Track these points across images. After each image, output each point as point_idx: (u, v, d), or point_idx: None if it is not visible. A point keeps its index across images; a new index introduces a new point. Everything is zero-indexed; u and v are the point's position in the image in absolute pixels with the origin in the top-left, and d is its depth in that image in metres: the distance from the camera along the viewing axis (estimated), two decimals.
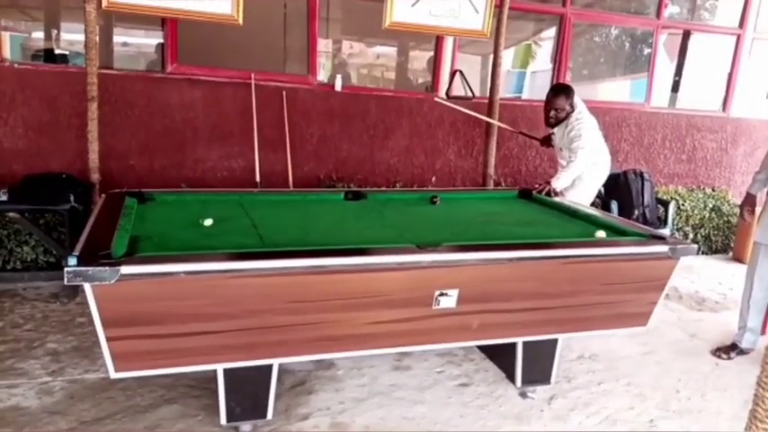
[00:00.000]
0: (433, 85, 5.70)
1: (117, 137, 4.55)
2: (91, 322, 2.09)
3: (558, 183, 3.98)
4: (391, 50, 8.33)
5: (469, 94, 5.58)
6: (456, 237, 2.70)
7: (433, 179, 5.57)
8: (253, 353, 2.34)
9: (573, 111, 4.13)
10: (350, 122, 5.24)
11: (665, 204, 5.29)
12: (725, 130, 6.59)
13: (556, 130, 4.26)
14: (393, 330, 2.49)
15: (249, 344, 2.30)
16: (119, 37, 6.39)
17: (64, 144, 4.44)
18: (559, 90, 4.21)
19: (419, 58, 7.77)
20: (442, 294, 2.44)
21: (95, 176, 3.98)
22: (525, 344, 2.93)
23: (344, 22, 7.48)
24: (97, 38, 3.87)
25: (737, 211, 6.09)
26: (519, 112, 5.76)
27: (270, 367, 2.45)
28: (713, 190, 6.47)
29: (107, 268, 1.97)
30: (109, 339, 2.07)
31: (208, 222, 2.66)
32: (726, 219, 6.16)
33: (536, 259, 2.57)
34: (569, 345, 3.55)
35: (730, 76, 6.68)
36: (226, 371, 2.38)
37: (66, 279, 1.93)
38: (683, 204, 5.98)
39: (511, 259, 2.52)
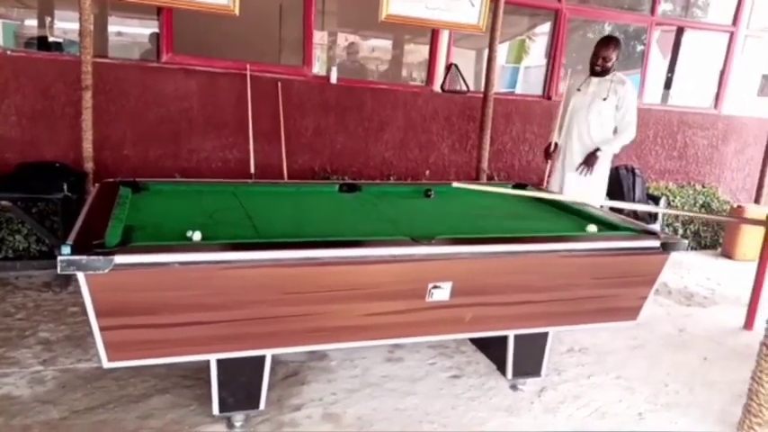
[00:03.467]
0: (429, 79, 5.71)
1: (111, 126, 4.52)
2: (84, 311, 2.09)
3: (611, 148, 4.24)
4: (387, 43, 8.33)
5: (464, 88, 5.60)
6: (450, 230, 2.71)
7: (427, 173, 5.58)
8: (246, 343, 2.35)
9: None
10: (345, 115, 5.24)
11: (656, 200, 5.33)
12: (716, 127, 6.64)
13: (592, 81, 4.34)
14: (386, 322, 2.50)
15: (242, 334, 2.31)
16: (113, 26, 6.36)
17: (58, 133, 4.41)
18: (611, 39, 4.33)
19: (414, 52, 7.78)
20: (435, 287, 2.46)
21: (89, 165, 3.97)
22: (516, 337, 2.95)
23: (340, 15, 7.47)
24: (92, 26, 3.85)
25: (727, 207, 6.17)
26: (513, 107, 5.78)
27: (263, 358, 2.46)
28: (703, 186, 6.52)
29: (101, 257, 1.97)
30: (102, 329, 2.08)
31: (196, 236, 2.29)
32: (715, 215, 6.22)
33: (528, 253, 2.59)
34: (559, 338, 3.58)
35: (722, 73, 6.73)
36: (219, 361, 2.39)
37: (59, 268, 1.93)
38: (673, 200, 6.02)
39: (503, 253, 2.54)
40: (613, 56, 4.25)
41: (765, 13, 6.77)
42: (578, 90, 4.38)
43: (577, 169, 4.36)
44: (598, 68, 4.29)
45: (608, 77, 4.30)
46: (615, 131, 4.34)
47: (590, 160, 4.31)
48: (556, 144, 4.48)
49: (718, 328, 4.03)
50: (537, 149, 5.77)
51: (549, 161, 4.60)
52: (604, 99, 4.24)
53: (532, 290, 2.71)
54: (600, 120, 4.29)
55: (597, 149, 4.29)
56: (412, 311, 2.50)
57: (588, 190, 4.34)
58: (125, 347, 2.18)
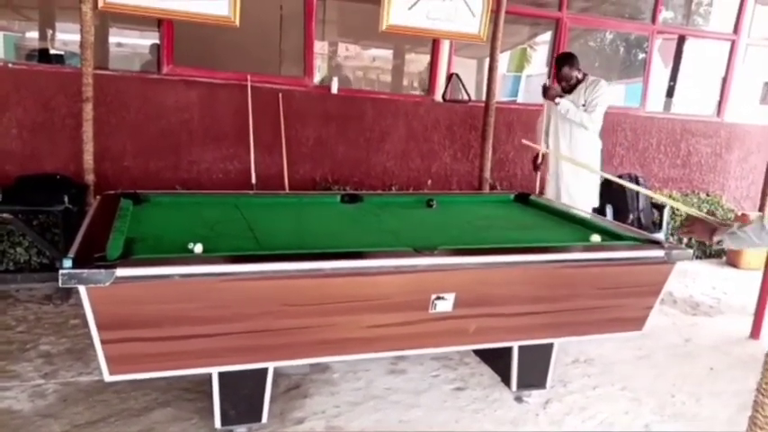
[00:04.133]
0: (430, 89, 5.71)
1: (112, 138, 4.52)
2: (85, 324, 2.08)
3: (565, 103, 4.22)
4: (387, 53, 8.35)
5: (465, 97, 5.60)
6: (452, 240, 2.69)
7: (429, 182, 5.57)
8: (248, 356, 2.33)
9: (584, 74, 4.35)
10: (346, 125, 5.23)
11: (660, 209, 5.30)
12: (719, 135, 6.62)
13: (568, 97, 4.35)
14: (389, 334, 2.48)
15: (244, 347, 2.29)
16: (114, 37, 6.37)
17: (58, 145, 4.41)
18: (562, 61, 4.37)
19: (415, 61, 7.79)
20: (438, 298, 2.44)
21: (90, 177, 3.96)
22: (521, 348, 2.93)
23: (341, 25, 7.49)
24: (92, 38, 3.86)
25: (732, 216, 6.14)
26: (515, 116, 5.77)
27: (265, 371, 2.44)
28: (707, 195, 6.49)
29: (102, 270, 1.95)
30: (104, 342, 2.06)
31: (198, 249, 2.27)
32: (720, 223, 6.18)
33: (532, 263, 2.57)
34: (565, 348, 3.55)
35: (725, 81, 6.71)
36: (221, 374, 2.37)
37: (60, 281, 1.92)
38: (677, 209, 5.99)
39: (507, 263, 2.52)
40: (571, 72, 4.32)
41: (766, 22, 6.77)
42: (556, 103, 4.41)
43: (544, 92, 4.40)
44: (566, 88, 4.37)
45: (581, 85, 4.35)
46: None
47: (549, 92, 4.34)
48: (543, 155, 4.56)
49: (724, 337, 4.00)
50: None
51: (538, 172, 4.68)
52: (583, 105, 4.30)
53: (537, 300, 2.68)
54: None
55: (560, 96, 4.32)
56: (415, 323, 2.48)
57: (582, 192, 4.43)
58: (127, 361, 2.17)
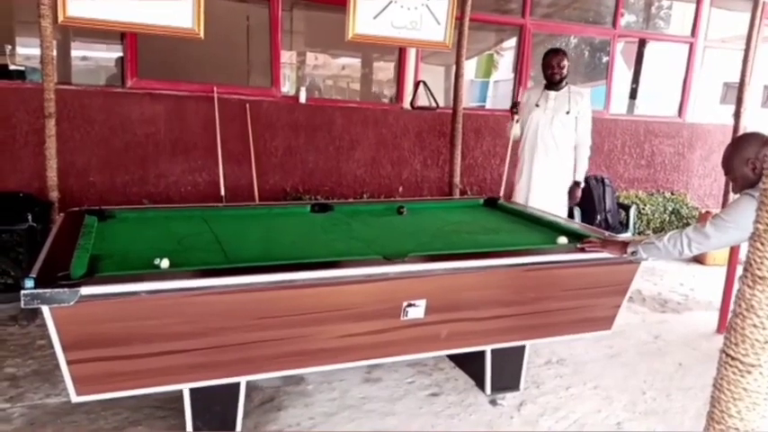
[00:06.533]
0: (398, 96, 5.74)
1: (76, 153, 4.45)
2: (51, 345, 2.03)
3: (584, 171, 4.36)
4: (356, 62, 8.36)
5: (433, 104, 5.65)
6: (423, 247, 2.71)
7: (400, 189, 5.59)
8: (219, 371, 2.30)
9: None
10: (315, 134, 5.23)
11: (627, 209, 5.41)
12: (681, 135, 6.78)
13: (550, 95, 4.34)
14: (362, 343, 2.48)
15: (215, 362, 2.26)
16: (78, 51, 6.27)
17: (21, 162, 4.33)
18: (559, 49, 4.44)
19: (384, 69, 7.81)
20: (410, 305, 2.45)
21: (54, 194, 3.88)
22: (494, 351, 2.95)
23: (308, 34, 7.48)
24: (54, 52, 3.80)
25: (696, 213, 6.28)
26: (482, 122, 5.83)
27: (237, 385, 2.42)
28: (672, 194, 6.64)
29: (66, 289, 1.92)
30: (69, 363, 2.02)
31: (164, 264, 2.25)
32: (685, 221, 6.33)
33: (502, 267, 2.60)
34: (537, 350, 3.59)
35: (685, 82, 6.89)
36: (192, 390, 2.35)
37: (23, 302, 1.88)
38: (643, 208, 6.12)
39: (477, 268, 2.54)
40: (565, 62, 4.33)
41: (721, 25, 6.97)
42: (537, 106, 4.37)
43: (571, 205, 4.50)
44: (557, 77, 4.32)
45: (564, 90, 4.33)
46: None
47: (575, 193, 4.43)
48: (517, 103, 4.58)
49: (692, 333, 4.08)
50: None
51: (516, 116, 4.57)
52: (567, 113, 4.28)
53: (507, 304, 2.71)
54: (564, 132, 4.33)
55: (577, 182, 4.41)
56: (387, 331, 2.48)
57: (554, 202, 4.39)
58: (94, 381, 2.13)
